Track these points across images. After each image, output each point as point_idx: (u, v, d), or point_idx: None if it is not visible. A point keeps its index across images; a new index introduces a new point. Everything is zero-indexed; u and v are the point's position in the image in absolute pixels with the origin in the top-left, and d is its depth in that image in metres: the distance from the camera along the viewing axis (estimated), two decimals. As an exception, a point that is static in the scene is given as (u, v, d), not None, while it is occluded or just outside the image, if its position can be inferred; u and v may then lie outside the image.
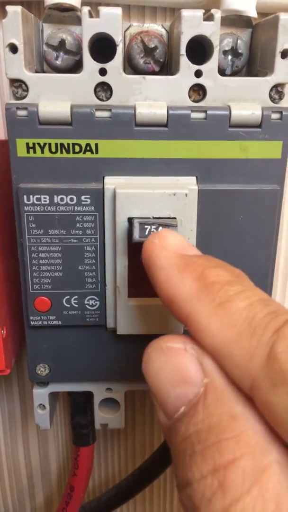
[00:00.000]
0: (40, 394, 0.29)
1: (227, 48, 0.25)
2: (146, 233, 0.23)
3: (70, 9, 0.24)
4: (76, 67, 0.25)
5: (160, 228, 0.23)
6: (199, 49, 0.24)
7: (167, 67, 0.26)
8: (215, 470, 0.13)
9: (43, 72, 0.26)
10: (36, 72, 0.25)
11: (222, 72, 0.25)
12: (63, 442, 0.38)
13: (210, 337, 0.15)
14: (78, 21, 0.25)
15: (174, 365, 0.16)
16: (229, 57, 0.25)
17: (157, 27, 0.26)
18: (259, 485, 0.12)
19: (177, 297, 0.16)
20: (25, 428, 0.37)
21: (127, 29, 0.26)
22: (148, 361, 0.16)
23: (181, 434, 0.14)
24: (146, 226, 0.23)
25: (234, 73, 0.25)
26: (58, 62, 0.25)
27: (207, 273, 0.16)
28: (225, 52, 0.25)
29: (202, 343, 0.15)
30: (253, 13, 0.24)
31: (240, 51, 0.25)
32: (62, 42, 0.25)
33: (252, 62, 0.26)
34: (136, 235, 0.23)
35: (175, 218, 0.23)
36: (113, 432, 0.38)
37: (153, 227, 0.23)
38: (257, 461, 0.13)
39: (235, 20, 0.25)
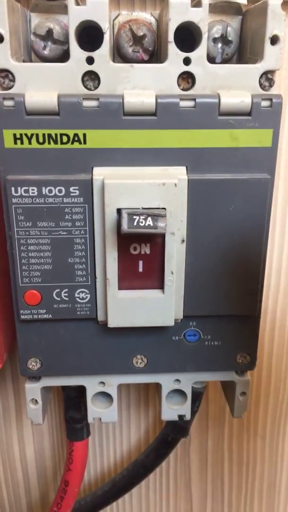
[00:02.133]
0: (32, 389, 0.28)
1: (216, 36, 0.24)
2: (135, 223, 0.22)
3: (57, -3, 0.24)
4: (64, 57, 0.24)
5: (149, 218, 0.22)
6: (189, 38, 0.23)
7: (157, 56, 0.26)
8: None
9: (31, 62, 0.25)
10: (24, 62, 0.25)
11: (212, 60, 0.25)
12: (58, 437, 0.38)
13: None
14: (65, 10, 0.24)
15: None
16: (219, 44, 0.25)
17: (146, 16, 0.26)
18: None
19: None
20: (20, 423, 0.37)
21: (116, 17, 0.26)
22: None
23: None
24: (134, 217, 0.22)
25: (224, 61, 0.25)
26: (46, 52, 0.25)
27: None
28: (215, 40, 0.25)
29: None
30: (242, 0, 0.24)
31: (230, 38, 0.25)
32: (50, 32, 0.24)
33: (242, 50, 0.26)
34: (125, 226, 0.22)
35: (164, 208, 0.23)
36: (108, 426, 0.38)
37: (142, 217, 0.22)
38: None
39: (224, 7, 0.25)
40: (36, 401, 0.29)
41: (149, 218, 0.22)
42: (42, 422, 0.29)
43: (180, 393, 0.30)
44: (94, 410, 0.29)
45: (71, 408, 0.32)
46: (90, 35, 0.23)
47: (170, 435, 0.34)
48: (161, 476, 0.40)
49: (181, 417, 0.30)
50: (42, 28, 0.24)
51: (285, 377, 0.37)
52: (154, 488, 0.40)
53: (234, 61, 0.26)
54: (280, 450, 0.40)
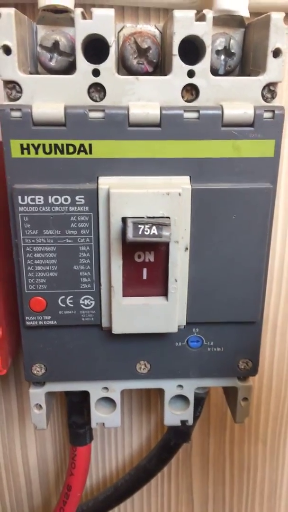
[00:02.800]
0: (37, 394, 0.29)
1: (219, 48, 0.25)
2: (140, 232, 0.23)
3: (63, 10, 0.25)
4: (70, 68, 0.25)
5: (154, 227, 0.23)
6: (192, 50, 0.24)
7: (161, 68, 0.26)
8: None
9: (38, 73, 0.26)
10: (31, 73, 0.25)
11: (215, 72, 0.25)
12: (60, 442, 0.38)
13: None
14: (71, 22, 0.25)
15: None
16: (222, 57, 0.25)
17: (150, 28, 0.26)
18: None
19: None
20: (23, 428, 0.37)
21: (121, 30, 0.26)
22: None
23: None
24: (140, 226, 0.23)
25: (227, 73, 0.26)
26: (52, 63, 0.25)
27: None
28: (218, 52, 0.25)
29: None
30: (245, 13, 0.25)
31: (232, 50, 0.25)
32: (56, 44, 0.25)
33: (245, 62, 0.26)
34: (130, 235, 0.23)
35: (168, 217, 0.24)
36: (110, 432, 0.38)
37: (146, 226, 0.23)
38: None
39: (227, 20, 0.25)
40: (40, 406, 0.29)
41: (154, 227, 0.23)
42: (46, 427, 0.30)
43: (183, 398, 0.30)
44: (98, 415, 0.30)
45: (74, 413, 0.32)
46: (95, 47, 0.23)
47: (172, 440, 0.34)
48: (162, 481, 0.40)
49: (183, 422, 0.31)
50: (48, 40, 0.25)
51: (286, 383, 0.38)
52: (156, 493, 0.40)
53: (237, 73, 0.26)
54: (281, 456, 0.40)
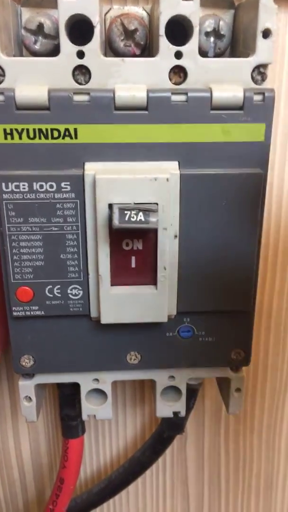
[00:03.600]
0: (26, 386, 0.28)
1: (209, 30, 0.24)
2: (126, 219, 0.22)
3: (48, -9, 0.24)
4: (55, 51, 0.24)
5: (141, 213, 0.22)
6: (181, 33, 0.23)
7: (149, 51, 0.25)
8: None
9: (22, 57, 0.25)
10: (15, 57, 0.24)
11: (205, 54, 0.24)
12: (53, 434, 0.38)
13: None
14: (56, 4, 0.24)
15: None
16: (211, 39, 0.24)
17: (138, 10, 0.26)
18: None
19: None
20: (15, 420, 0.37)
21: (107, 12, 0.26)
22: None
23: None
24: (126, 212, 0.22)
25: (217, 56, 0.25)
26: (37, 46, 0.24)
27: None
28: (207, 34, 0.24)
29: None
30: (234, -7, 0.24)
31: (222, 32, 0.24)
32: (40, 26, 0.24)
33: (235, 44, 0.25)
34: (116, 221, 0.22)
35: (156, 203, 0.23)
36: (104, 424, 0.38)
37: (133, 212, 0.22)
38: None
39: (217, 1, 0.25)
40: (30, 398, 0.29)
41: (141, 213, 0.22)
42: (36, 419, 0.29)
43: (175, 389, 0.30)
44: (88, 407, 0.29)
45: (66, 406, 0.32)
46: (81, 30, 0.23)
47: (166, 432, 0.34)
48: (157, 473, 0.40)
49: (176, 413, 0.30)
50: (32, 23, 0.24)
51: (281, 374, 0.37)
52: (151, 485, 0.40)
53: (227, 55, 0.26)
54: (277, 447, 0.40)
